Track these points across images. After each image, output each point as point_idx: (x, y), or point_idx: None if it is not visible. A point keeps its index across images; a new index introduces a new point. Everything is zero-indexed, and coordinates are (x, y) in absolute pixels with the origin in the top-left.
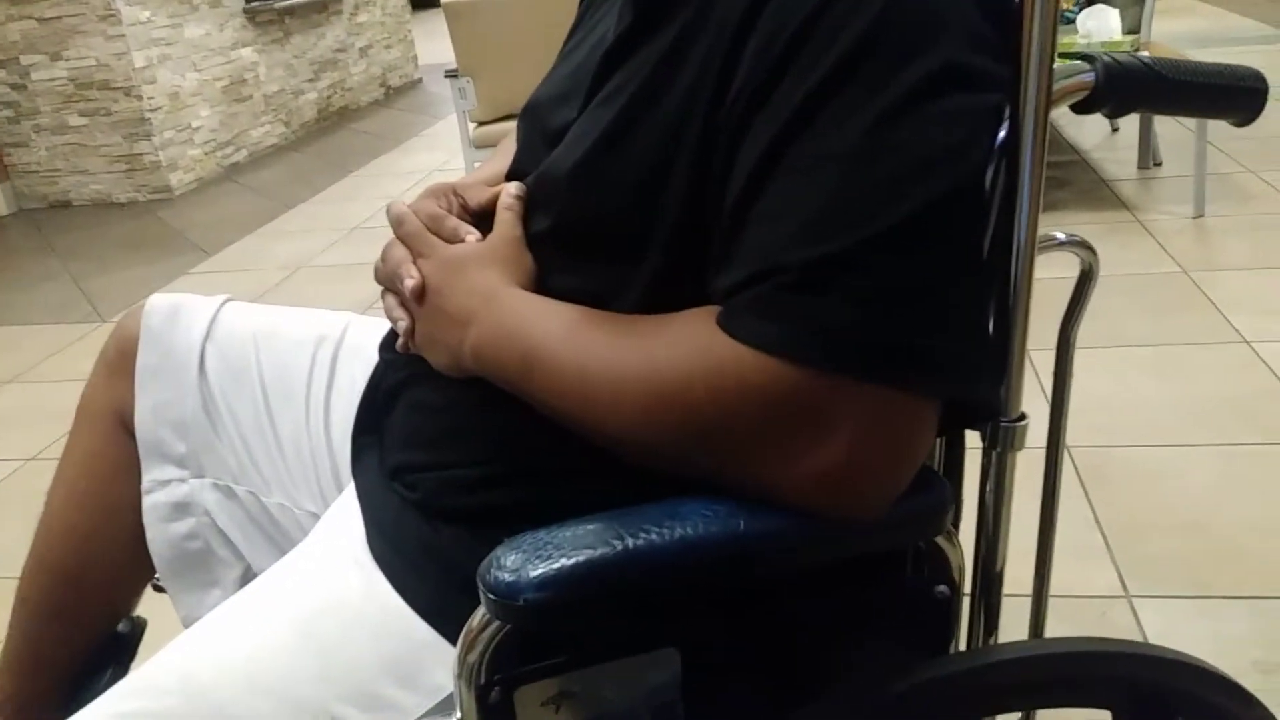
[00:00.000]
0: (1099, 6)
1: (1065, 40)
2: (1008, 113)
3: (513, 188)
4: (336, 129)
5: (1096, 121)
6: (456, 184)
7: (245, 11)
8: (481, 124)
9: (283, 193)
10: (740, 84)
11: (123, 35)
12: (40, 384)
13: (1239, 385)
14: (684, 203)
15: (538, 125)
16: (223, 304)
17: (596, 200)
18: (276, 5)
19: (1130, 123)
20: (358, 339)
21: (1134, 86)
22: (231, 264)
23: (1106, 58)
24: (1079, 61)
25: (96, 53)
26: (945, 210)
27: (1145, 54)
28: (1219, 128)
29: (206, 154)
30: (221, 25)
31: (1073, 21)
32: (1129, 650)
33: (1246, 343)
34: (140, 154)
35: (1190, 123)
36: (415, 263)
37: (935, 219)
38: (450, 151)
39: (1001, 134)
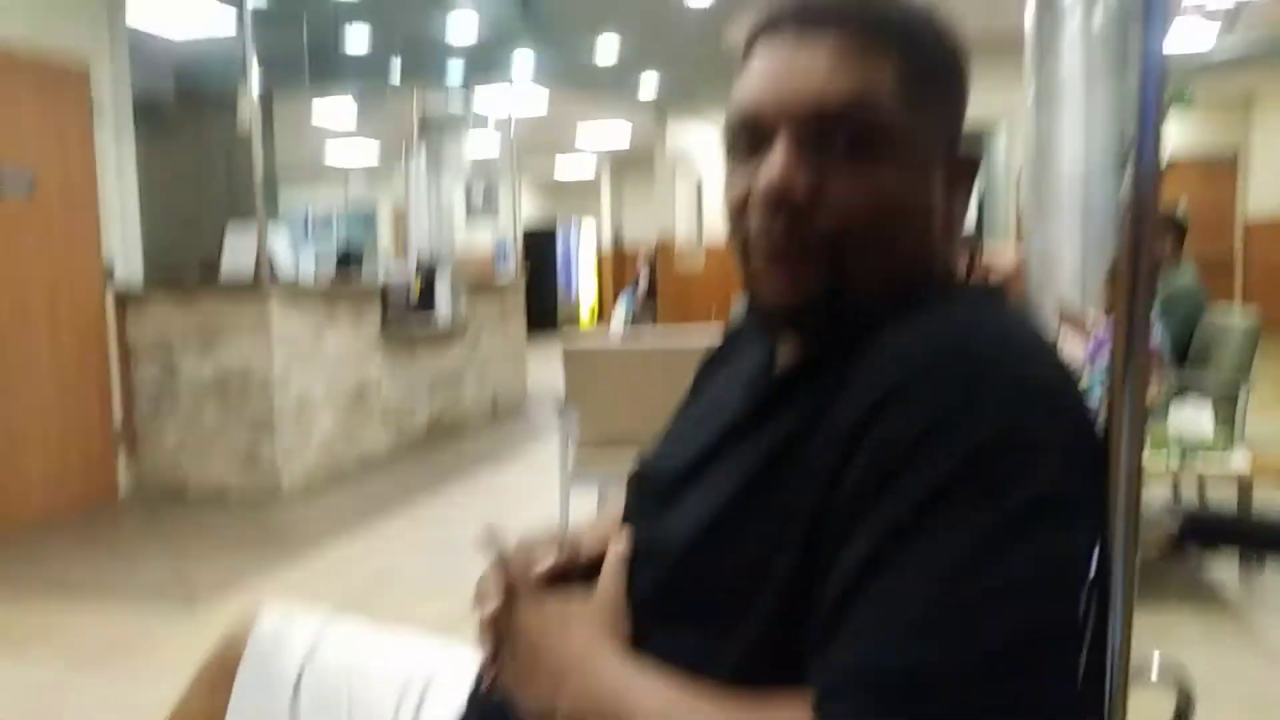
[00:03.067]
0: (1190, 401)
1: (1157, 432)
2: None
3: (620, 546)
4: (443, 442)
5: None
6: (571, 535)
7: (382, 334)
8: (582, 444)
9: (383, 501)
10: (850, 489)
11: (270, 343)
12: (124, 668)
13: None
14: (786, 588)
15: (650, 487)
16: (326, 624)
17: (704, 575)
18: (410, 331)
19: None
20: (446, 682)
21: (1216, 535)
22: (323, 568)
23: (1188, 506)
24: (1162, 509)
25: (244, 353)
26: (1040, 639)
27: (1223, 508)
28: None
29: (320, 457)
30: (357, 342)
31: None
32: None
33: None
34: (260, 451)
35: None
36: (518, 609)
37: (1032, 647)
38: (546, 474)
39: (1094, 567)
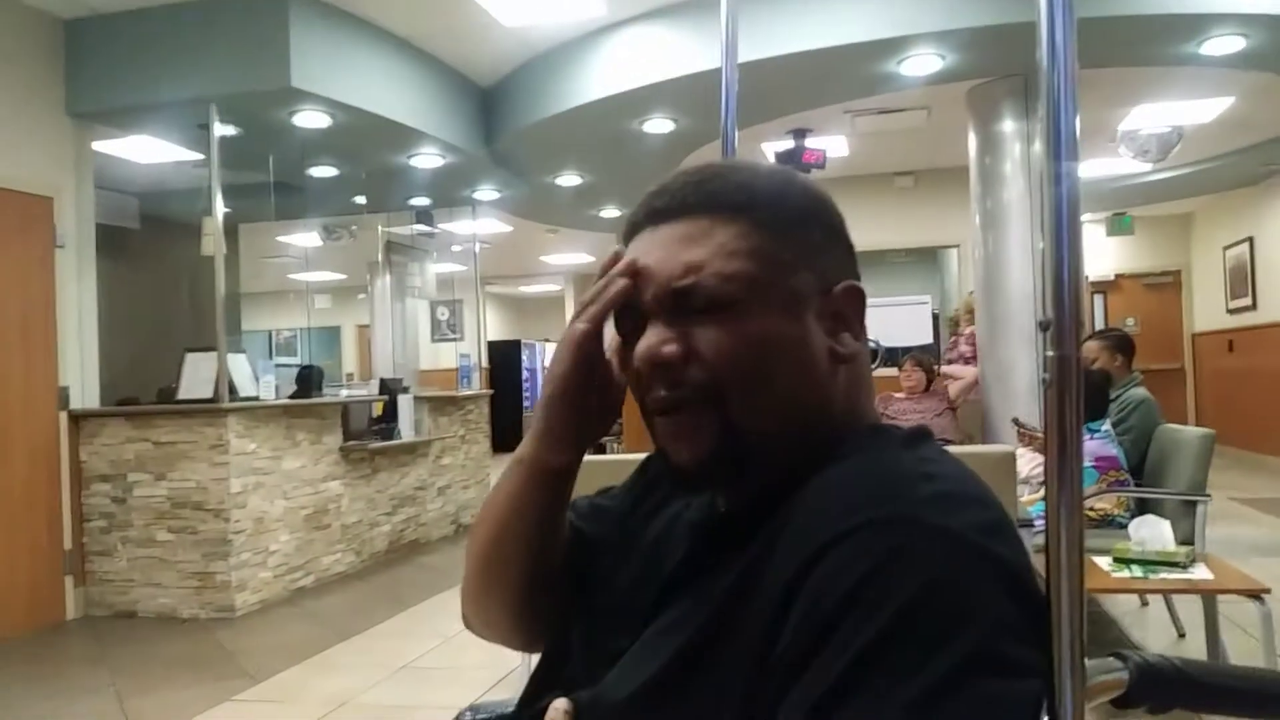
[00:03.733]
0: (1150, 517)
1: (1119, 546)
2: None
3: (561, 704)
4: (404, 561)
5: (1163, 626)
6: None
7: (341, 449)
8: None
9: (340, 622)
10: (783, 647)
11: (227, 463)
12: None
13: None
14: None
15: (598, 639)
16: None
17: None
18: (370, 446)
19: (1196, 630)
20: None
21: (1169, 687)
22: (276, 694)
23: (1138, 657)
24: (1111, 659)
25: (199, 476)
26: None
27: (1178, 659)
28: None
29: (276, 577)
30: (317, 460)
31: (1124, 527)
32: None
33: None
34: (214, 573)
35: (1258, 632)
36: None
37: None
38: None
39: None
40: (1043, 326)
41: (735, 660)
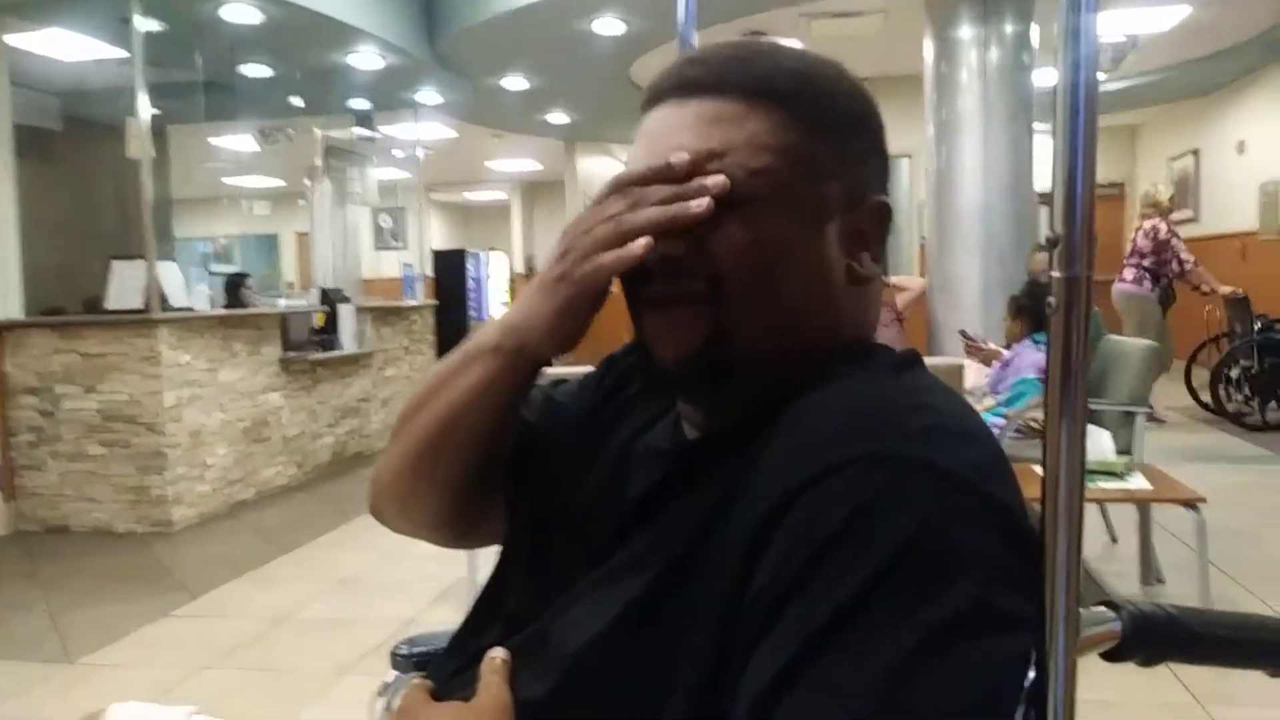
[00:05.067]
0: (1090, 427)
1: None
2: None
3: (498, 654)
4: (347, 473)
5: (1095, 532)
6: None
7: (280, 361)
8: None
9: (282, 536)
10: (757, 592)
11: (159, 376)
12: None
13: None
14: (697, 698)
15: (546, 565)
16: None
17: (604, 684)
18: (311, 357)
19: (1129, 535)
20: None
21: (1163, 637)
22: (215, 609)
23: (1131, 606)
24: (1104, 609)
25: (131, 389)
26: None
27: (1172, 607)
28: (1221, 549)
29: (214, 490)
30: (255, 371)
31: None
32: None
33: None
34: (149, 486)
35: (1192, 540)
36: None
37: None
38: None
39: (1030, 675)
40: (1050, 244)
41: (703, 605)
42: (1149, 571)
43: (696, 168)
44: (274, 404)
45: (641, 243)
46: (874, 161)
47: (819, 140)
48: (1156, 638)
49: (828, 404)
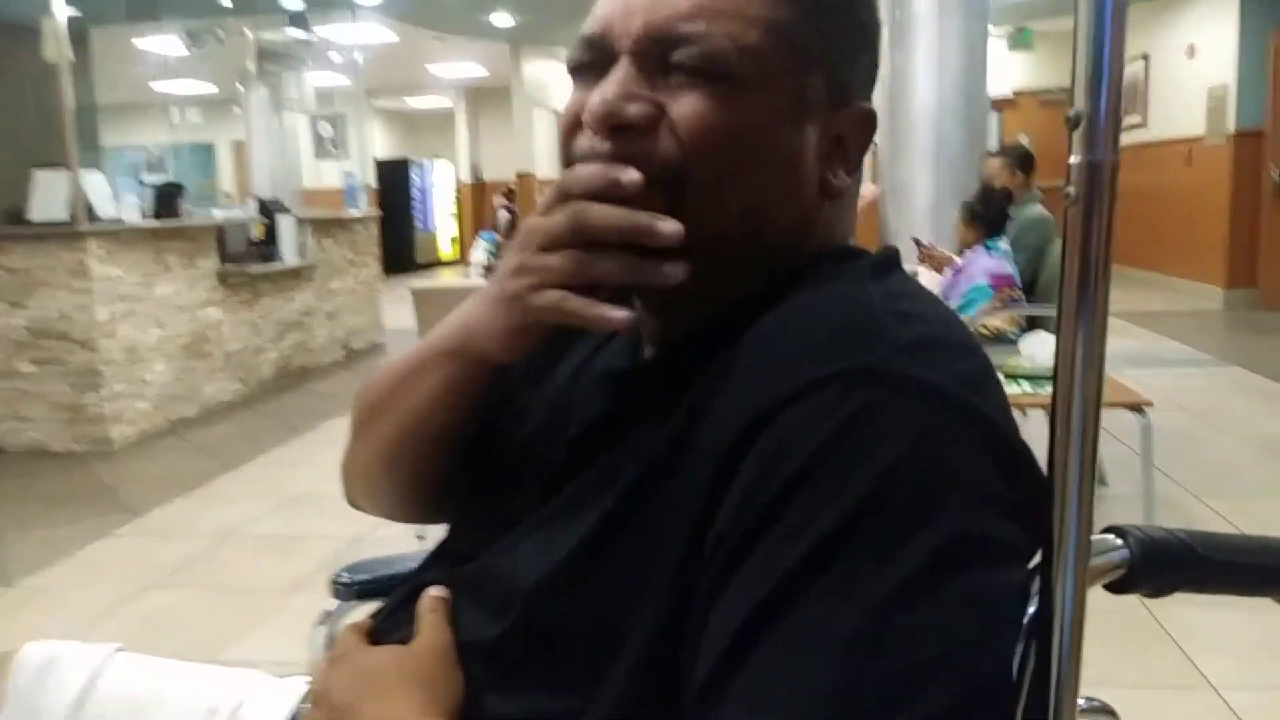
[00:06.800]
0: (1040, 333)
1: (1010, 363)
2: (1036, 587)
3: (436, 590)
4: (294, 388)
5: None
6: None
7: (218, 274)
8: None
9: (227, 453)
10: (724, 525)
11: (90, 290)
12: None
13: None
14: (655, 640)
15: (492, 500)
16: (106, 659)
17: (557, 625)
18: (251, 270)
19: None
20: (256, 714)
21: (1173, 565)
22: (158, 528)
23: (1139, 532)
24: (1109, 536)
25: (60, 305)
26: (964, 712)
27: (1181, 531)
28: (1162, 452)
29: (155, 408)
30: (192, 285)
31: (1015, 343)
32: None
33: (1214, 689)
34: (85, 405)
35: (1135, 444)
36: (325, 669)
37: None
38: None
39: (1031, 609)
40: (1072, 124)
41: (668, 534)
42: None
43: (665, 42)
44: (213, 319)
45: (618, 318)
46: (864, 61)
47: (813, 25)
48: (1167, 565)
49: (802, 313)
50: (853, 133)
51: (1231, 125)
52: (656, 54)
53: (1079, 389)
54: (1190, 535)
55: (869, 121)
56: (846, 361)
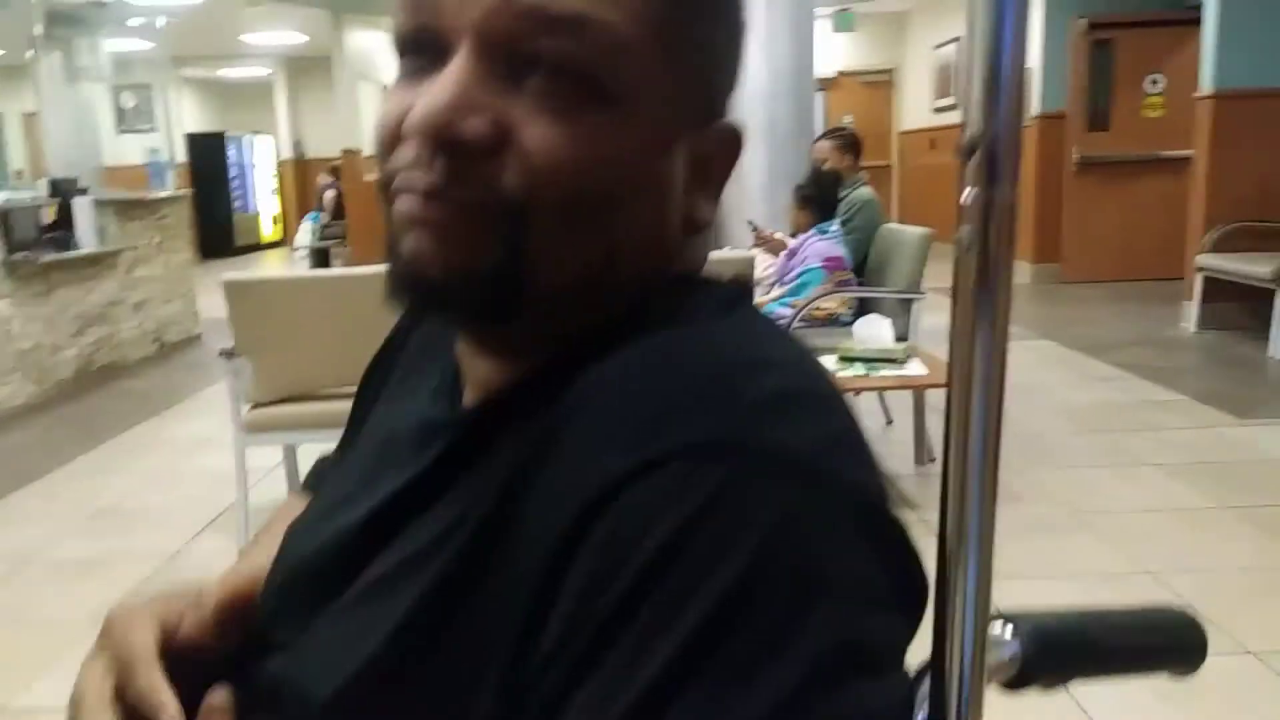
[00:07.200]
0: (872, 316)
1: (844, 346)
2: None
3: (218, 699)
4: (98, 388)
5: (874, 415)
6: (196, 598)
7: (4, 264)
8: (256, 406)
9: (20, 464)
10: (561, 634)
11: None
12: None
13: None
14: None
15: (301, 578)
16: None
17: None
18: (43, 259)
19: (904, 417)
20: None
21: (1068, 655)
22: None
23: (1025, 621)
24: (996, 625)
25: None
26: None
27: (1064, 613)
28: None
29: None
30: None
31: (849, 325)
32: None
33: None
34: None
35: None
36: None
37: None
38: (221, 420)
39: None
40: (965, 152)
41: (493, 630)
42: (922, 451)
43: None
44: (1, 314)
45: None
46: (729, 69)
47: (690, 23)
48: (1062, 654)
49: (642, 364)
50: (718, 154)
51: (1036, 108)
52: (511, 53)
53: (977, 483)
54: (1075, 617)
55: (736, 142)
56: (693, 431)
